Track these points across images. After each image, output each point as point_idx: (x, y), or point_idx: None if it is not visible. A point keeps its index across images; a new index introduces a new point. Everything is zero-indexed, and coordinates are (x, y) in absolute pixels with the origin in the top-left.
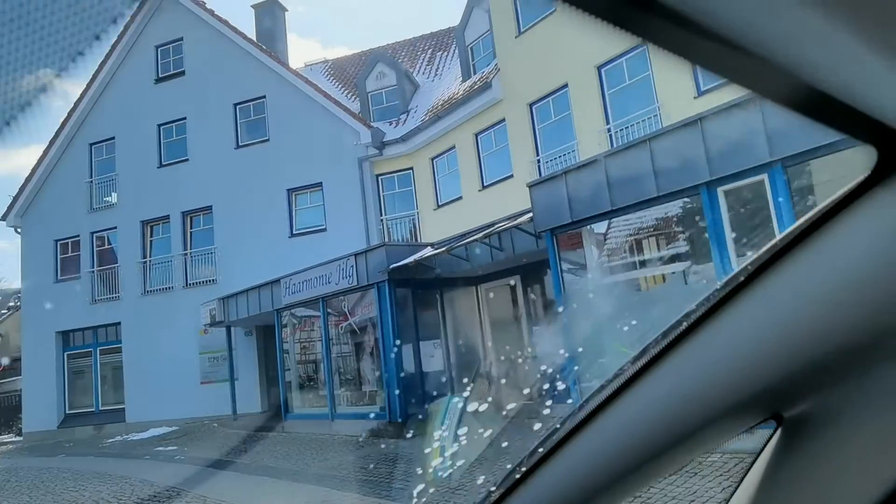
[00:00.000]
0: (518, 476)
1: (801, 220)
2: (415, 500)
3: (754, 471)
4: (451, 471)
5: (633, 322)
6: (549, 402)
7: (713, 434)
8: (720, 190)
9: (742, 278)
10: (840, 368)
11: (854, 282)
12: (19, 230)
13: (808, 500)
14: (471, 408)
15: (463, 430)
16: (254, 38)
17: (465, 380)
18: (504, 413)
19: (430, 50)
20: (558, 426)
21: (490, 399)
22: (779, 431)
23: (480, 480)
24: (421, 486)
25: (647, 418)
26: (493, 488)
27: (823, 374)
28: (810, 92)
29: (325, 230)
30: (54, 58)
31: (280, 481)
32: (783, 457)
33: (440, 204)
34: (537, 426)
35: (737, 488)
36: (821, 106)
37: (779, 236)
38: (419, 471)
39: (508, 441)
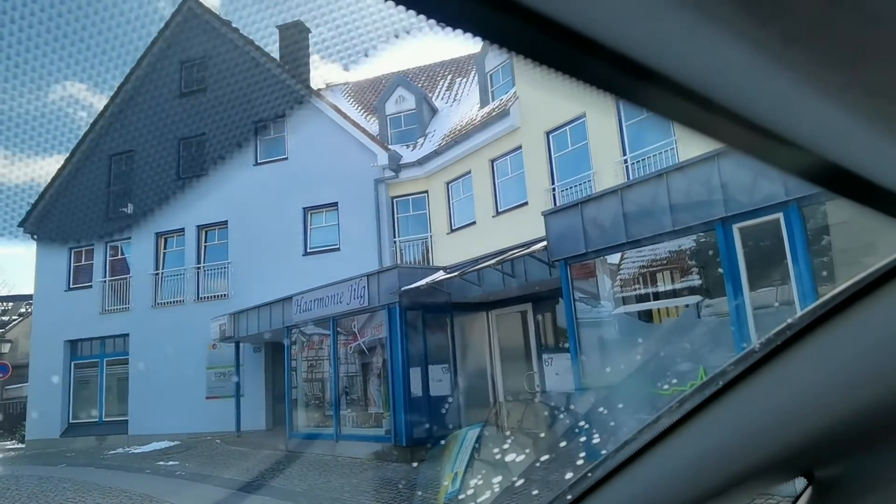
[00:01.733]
0: None
1: (843, 287)
2: None
3: None
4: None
5: (645, 353)
6: (561, 437)
7: (744, 489)
8: (735, 227)
9: (780, 341)
10: (874, 436)
11: (892, 353)
12: (35, 237)
13: None
14: (484, 441)
15: (476, 463)
16: (277, 58)
17: (476, 410)
18: (518, 450)
19: (449, 76)
20: (589, 473)
21: (503, 433)
22: (809, 489)
23: None
24: None
25: (679, 472)
26: None
27: (857, 439)
28: (840, 172)
29: (338, 250)
30: (76, 68)
31: (283, 503)
32: None
33: (454, 228)
34: (552, 462)
35: None
36: (855, 187)
37: (819, 301)
38: (429, 498)
39: (522, 477)
